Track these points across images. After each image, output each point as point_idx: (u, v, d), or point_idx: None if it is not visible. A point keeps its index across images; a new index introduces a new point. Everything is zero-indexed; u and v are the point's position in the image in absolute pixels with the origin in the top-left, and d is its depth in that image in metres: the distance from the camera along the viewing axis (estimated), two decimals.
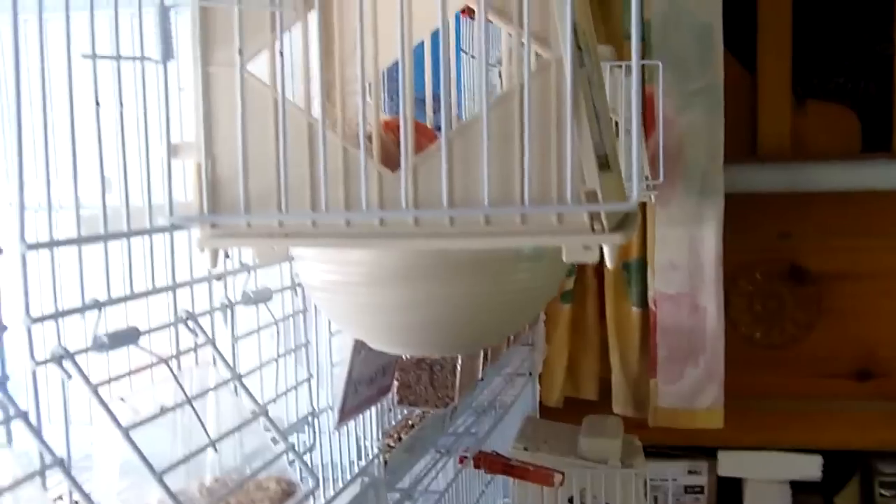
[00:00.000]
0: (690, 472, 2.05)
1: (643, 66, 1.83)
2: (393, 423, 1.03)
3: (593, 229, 0.55)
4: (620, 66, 1.51)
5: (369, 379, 0.85)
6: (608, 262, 0.55)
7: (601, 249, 0.54)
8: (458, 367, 0.97)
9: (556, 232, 0.55)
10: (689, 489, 2.06)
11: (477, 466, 1.38)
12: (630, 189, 0.55)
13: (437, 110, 0.72)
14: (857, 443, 1.98)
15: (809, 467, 1.98)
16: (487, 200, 0.55)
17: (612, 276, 1.90)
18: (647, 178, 1.52)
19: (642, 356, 1.90)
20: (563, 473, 1.39)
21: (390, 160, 0.59)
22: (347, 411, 0.80)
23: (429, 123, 0.73)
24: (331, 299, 0.64)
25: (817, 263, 1.97)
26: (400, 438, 1.02)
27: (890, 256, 1.94)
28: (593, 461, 1.53)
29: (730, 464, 2.02)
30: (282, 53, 0.57)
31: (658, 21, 1.81)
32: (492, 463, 1.39)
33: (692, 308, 1.84)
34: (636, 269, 1.88)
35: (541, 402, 1.93)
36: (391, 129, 0.63)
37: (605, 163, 0.57)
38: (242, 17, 0.57)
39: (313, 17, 0.58)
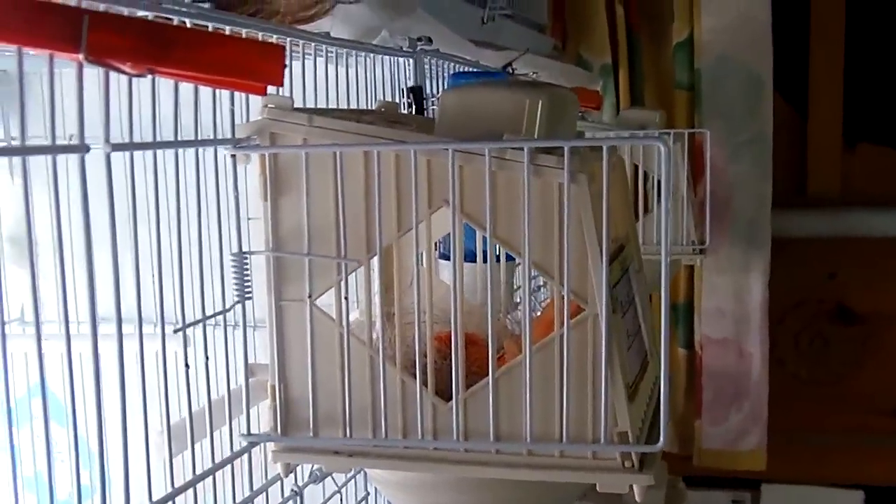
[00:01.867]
0: (734, 502, 2.11)
1: (693, 116, 1.87)
2: None
3: (623, 466, 0.61)
4: (669, 133, 1.54)
5: None
6: (637, 497, 0.61)
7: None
8: None
9: (591, 468, 0.62)
10: None
11: None
12: (658, 432, 0.61)
13: None
14: None
15: (851, 502, 2.02)
16: (529, 436, 0.62)
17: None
18: (693, 242, 1.56)
19: (687, 396, 1.95)
20: None
21: (441, 379, 0.66)
22: None
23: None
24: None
25: (864, 304, 2.00)
26: None
27: None
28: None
29: (773, 497, 2.07)
30: (346, 298, 0.63)
31: (708, 71, 1.84)
32: None
33: (738, 353, 1.88)
34: (683, 311, 1.92)
35: None
36: (443, 342, 0.69)
37: (633, 392, 0.63)
38: (312, 263, 0.64)
39: (375, 259, 0.64)
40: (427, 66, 1.01)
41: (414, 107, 0.94)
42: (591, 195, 0.59)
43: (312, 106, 0.70)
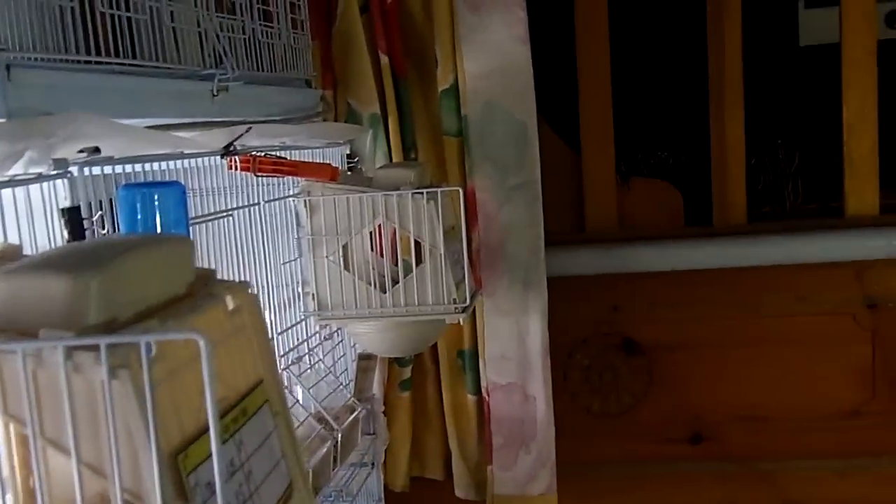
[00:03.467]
0: None
1: (464, 161, 1.86)
2: None
3: None
4: (422, 194, 1.53)
5: None
6: None
7: None
8: None
9: None
10: None
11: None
12: None
13: None
14: (693, 503, 2.07)
15: None
16: None
17: (448, 364, 1.94)
18: (454, 300, 1.55)
19: (480, 442, 1.94)
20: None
21: None
22: None
23: None
24: None
25: (646, 335, 2.04)
26: None
27: (712, 327, 2.01)
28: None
29: None
30: None
31: (475, 117, 1.84)
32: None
33: (522, 397, 1.89)
34: (469, 357, 1.92)
35: (386, 487, 1.97)
36: None
37: None
38: None
39: None
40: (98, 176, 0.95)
41: (71, 233, 0.88)
42: (135, 392, 0.55)
43: None
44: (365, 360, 1.83)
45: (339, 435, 1.48)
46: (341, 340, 1.78)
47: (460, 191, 1.56)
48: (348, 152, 1.89)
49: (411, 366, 1.96)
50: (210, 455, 0.63)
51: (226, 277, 1.37)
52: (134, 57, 1.12)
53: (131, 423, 0.55)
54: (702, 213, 2.06)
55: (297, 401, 1.45)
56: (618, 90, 2.03)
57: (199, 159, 1.32)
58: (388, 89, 1.84)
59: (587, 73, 2.02)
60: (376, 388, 1.92)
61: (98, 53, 1.04)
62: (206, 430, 0.64)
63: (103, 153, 0.97)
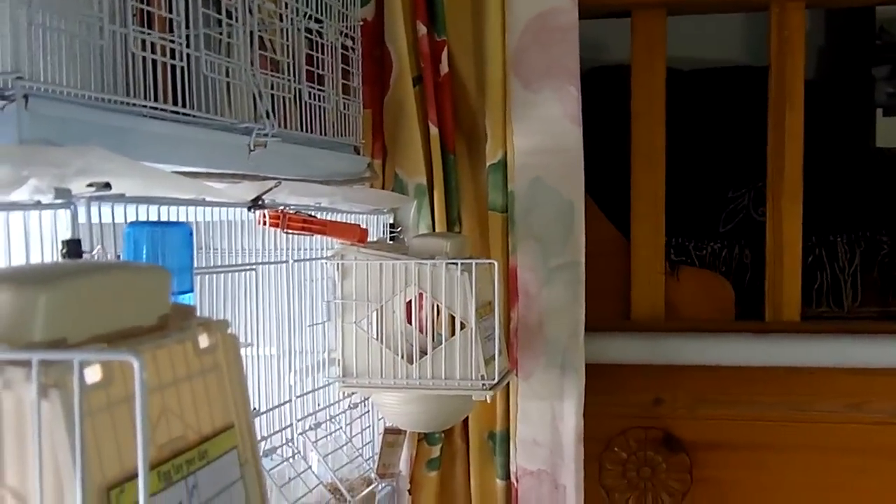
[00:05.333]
0: None
1: (508, 238, 1.83)
2: None
3: None
4: (456, 265, 1.50)
5: None
6: None
7: None
8: None
9: None
10: None
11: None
12: None
13: None
14: None
15: None
16: None
17: (478, 446, 1.87)
18: (482, 377, 1.50)
19: None
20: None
21: None
22: None
23: None
24: None
25: (689, 432, 1.95)
26: None
27: (760, 427, 1.92)
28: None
29: None
30: None
31: (521, 193, 1.81)
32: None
33: (552, 485, 1.81)
34: (500, 440, 1.85)
35: None
36: None
37: None
38: None
39: None
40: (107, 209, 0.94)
41: None
42: (65, 414, 0.52)
43: None
44: (392, 434, 1.78)
45: None
46: (367, 411, 1.73)
47: (496, 264, 1.52)
48: (391, 221, 1.87)
49: (441, 444, 1.90)
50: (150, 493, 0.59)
51: (247, 334, 1.35)
52: (169, 101, 1.11)
53: (58, 448, 0.51)
54: (753, 309, 1.99)
55: (310, 467, 1.40)
56: (671, 175, 1.98)
57: (230, 213, 1.31)
58: (435, 160, 1.83)
59: (641, 156, 1.98)
60: (403, 466, 1.86)
61: (129, 94, 1.04)
62: (151, 466, 0.60)
63: (118, 191, 0.96)
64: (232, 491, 0.68)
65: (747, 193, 2.22)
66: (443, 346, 1.51)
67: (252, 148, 1.35)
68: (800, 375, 1.90)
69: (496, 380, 1.52)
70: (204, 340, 0.68)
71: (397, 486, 1.83)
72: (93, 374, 0.53)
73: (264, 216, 1.32)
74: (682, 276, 2.00)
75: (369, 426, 1.73)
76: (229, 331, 0.72)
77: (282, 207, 1.34)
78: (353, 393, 1.59)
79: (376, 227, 1.80)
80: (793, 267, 1.93)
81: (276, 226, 1.33)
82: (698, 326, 1.96)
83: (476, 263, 1.51)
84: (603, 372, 1.89)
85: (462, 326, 1.51)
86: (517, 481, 1.83)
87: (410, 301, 1.60)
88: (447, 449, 1.91)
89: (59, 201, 0.86)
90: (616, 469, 1.98)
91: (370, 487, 1.52)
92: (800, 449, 1.90)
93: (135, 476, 0.58)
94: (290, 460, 1.34)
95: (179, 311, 0.71)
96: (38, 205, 0.84)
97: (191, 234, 0.93)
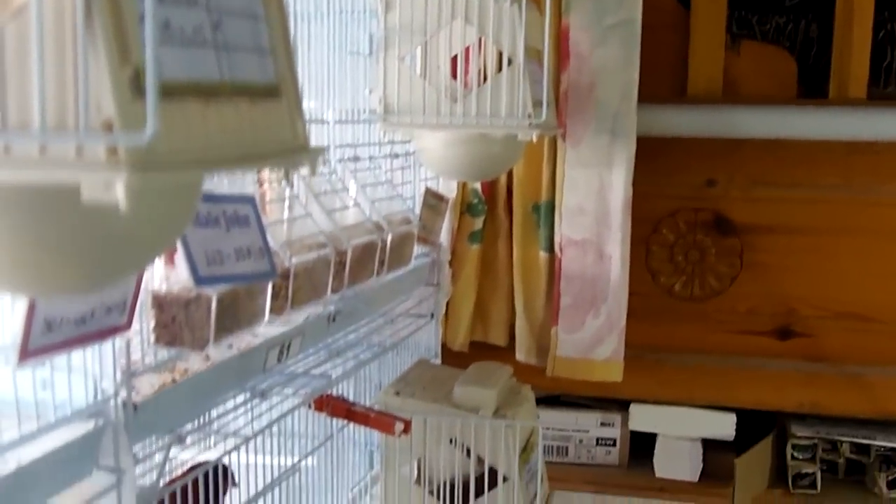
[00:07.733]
0: (603, 425, 1.99)
1: None
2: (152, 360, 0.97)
3: (107, 162, 0.48)
4: None
5: (79, 318, 0.79)
6: (119, 197, 0.47)
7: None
8: (213, 306, 0.91)
9: (73, 166, 0.48)
10: (601, 441, 2.00)
11: (319, 409, 1.32)
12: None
13: None
14: (773, 403, 1.91)
15: (723, 425, 1.91)
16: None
17: (521, 218, 1.82)
18: (529, 115, 1.43)
19: (548, 303, 1.82)
20: (407, 422, 1.33)
21: None
22: (33, 351, 0.75)
23: None
24: None
25: (743, 214, 1.87)
26: None
27: (818, 210, 1.83)
28: (465, 410, 1.47)
29: (642, 418, 1.95)
30: None
31: None
32: (335, 407, 1.33)
33: (597, 255, 1.76)
34: (545, 211, 1.79)
35: (445, 346, 1.87)
36: None
37: (139, 87, 0.49)
38: None
39: None
40: None
41: None
42: None
43: None
44: (434, 198, 1.73)
45: (389, 236, 1.37)
46: (409, 165, 1.67)
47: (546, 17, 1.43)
48: None
49: (483, 217, 1.85)
50: None
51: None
52: None
53: None
54: (817, 88, 1.88)
55: (347, 190, 1.35)
56: None
57: None
58: None
59: None
60: (444, 238, 1.81)
61: None
62: None
63: None
64: (255, 25, 0.62)
65: None
66: (488, 82, 1.44)
67: None
68: (863, 154, 1.80)
69: (543, 119, 1.45)
70: None
71: (438, 257, 1.79)
72: None
73: None
74: (744, 50, 1.89)
75: (410, 181, 1.68)
76: None
77: None
78: (393, 135, 1.53)
79: None
80: (862, 40, 1.82)
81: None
82: (758, 101, 1.86)
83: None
84: (654, 147, 1.81)
85: (509, 63, 1.44)
86: (561, 252, 1.78)
87: (455, 38, 1.52)
88: (490, 222, 1.86)
89: None
90: (663, 252, 1.91)
91: (408, 226, 1.47)
92: (861, 233, 1.82)
93: None
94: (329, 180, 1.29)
95: None
96: None
97: None
